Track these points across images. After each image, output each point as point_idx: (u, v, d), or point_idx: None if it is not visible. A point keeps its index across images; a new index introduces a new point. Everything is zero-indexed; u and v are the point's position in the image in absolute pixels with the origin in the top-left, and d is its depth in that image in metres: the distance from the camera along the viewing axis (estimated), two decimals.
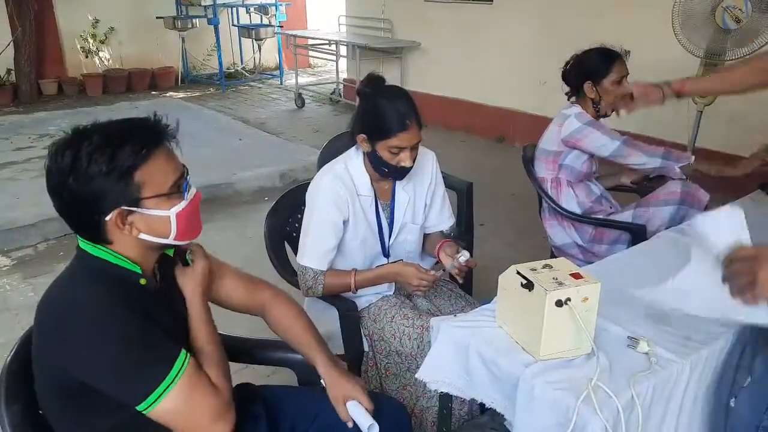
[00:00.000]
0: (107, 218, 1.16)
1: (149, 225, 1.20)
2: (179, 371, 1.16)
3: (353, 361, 2.03)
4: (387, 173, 1.91)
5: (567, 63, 2.67)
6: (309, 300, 2.12)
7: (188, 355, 1.20)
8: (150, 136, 1.19)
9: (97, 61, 8.63)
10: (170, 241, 1.24)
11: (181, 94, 8.61)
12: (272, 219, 2.22)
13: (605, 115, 2.61)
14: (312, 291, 1.96)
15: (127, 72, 8.69)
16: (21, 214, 4.03)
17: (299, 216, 2.29)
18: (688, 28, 3.17)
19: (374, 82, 1.92)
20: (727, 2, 3.00)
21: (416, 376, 1.56)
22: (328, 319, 2.03)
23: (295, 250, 2.07)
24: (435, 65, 6.76)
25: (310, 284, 1.95)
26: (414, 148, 1.86)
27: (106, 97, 8.32)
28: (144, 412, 1.14)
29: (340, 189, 1.91)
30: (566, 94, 2.69)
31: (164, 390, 1.13)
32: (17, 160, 5.28)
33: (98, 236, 1.19)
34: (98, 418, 1.19)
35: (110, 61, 8.75)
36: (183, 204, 1.23)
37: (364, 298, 2.04)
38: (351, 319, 1.98)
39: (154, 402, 1.13)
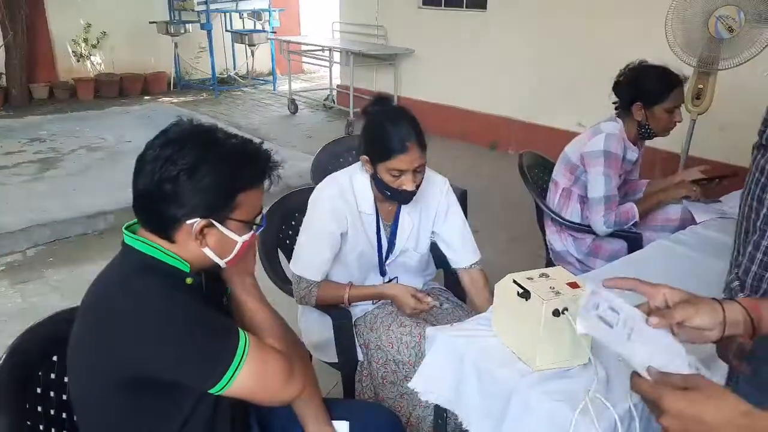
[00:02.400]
0: (189, 222, 1.16)
1: (219, 243, 1.22)
2: (245, 346, 1.17)
3: (347, 370, 2.01)
4: (390, 196, 1.86)
5: (621, 73, 2.52)
6: (301, 309, 2.10)
7: (244, 331, 1.22)
8: (266, 166, 1.24)
9: (89, 66, 8.59)
10: (222, 262, 1.26)
11: (173, 99, 8.58)
12: (265, 225, 2.20)
13: (649, 138, 2.52)
14: (305, 301, 1.95)
15: (119, 77, 8.65)
16: (10, 219, 3.98)
17: (292, 223, 2.27)
18: (682, 37, 3.18)
19: (380, 102, 1.88)
20: (720, 12, 3.01)
21: (409, 385, 1.55)
22: (322, 328, 2.01)
23: (288, 258, 2.05)
24: (429, 72, 6.77)
25: (303, 294, 1.93)
26: (417, 171, 1.80)
27: (98, 101, 8.28)
28: (219, 392, 1.15)
29: (339, 203, 1.89)
30: (613, 103, 2.56)
31: (238, 365, 1.15)
32: (7, 164, 5.23)
33: (165, 232, 1.19)
34: (148, 421, 1.19)
35: (102, 66, 8.71)
36: (249, 235, 1.26)
37: (360, 307, 2.02)
38: (345, 328, 1.96)
39: (230, 380, 1.14)
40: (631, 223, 2.46)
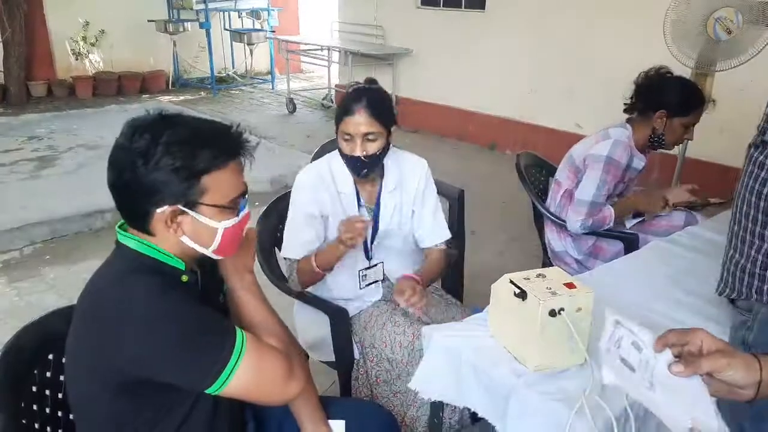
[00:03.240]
0: (159, 210, 1.14)
1: (195, 231, 1.19)
2: (242, 345, 1.16)
3: (344, 368, 2.01)
4: (347, 165, 1.91)
5: (644, 75, 2.47)
6: (298, 305, 2.11)
7: (242, 329, 1.20)
8: (231, 145, 1.19)
9: (88, 64, 8.57)
10: (208, 252, 1.23)
11: (171, 98, 8.57)
12: (263, 224, 2.20)
13: (658, 148, 2.50)
14: (292, 281, 1.98)
15: (117, 75, 8.64)
16: (7, 217, 3.98)
17: None
18: (679, 38, 3.18)
19: (365, 82, 1.96)
20: (718, 13, 3.01)
21: (408, 385, 1.55)
22: (318, 325, 2.01)
23: None
24: (427, 72, 6.77)
25: (288, 273, 1.97)
26: (368, 139, 1.84)
27: (96, 99, 8.27)
28: (216, 392, 1.14)
29: (316, 182, 1.95)
30: (625, 104, 2.52)
31: (234, 365, 1.13)
32: (5, 162, 5.22)
33: (142, 225, 1.18)
34: (148, 419, 1.19)
35: (101, 64, 8.70)
36: (234, 221, 1.22)
37: (354, 305, 2.03)
38: (342, 326, 1.96)
39: (226, 380, 1.13)
40: (605, 227, 2.47)
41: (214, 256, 1.26)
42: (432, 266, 2.08)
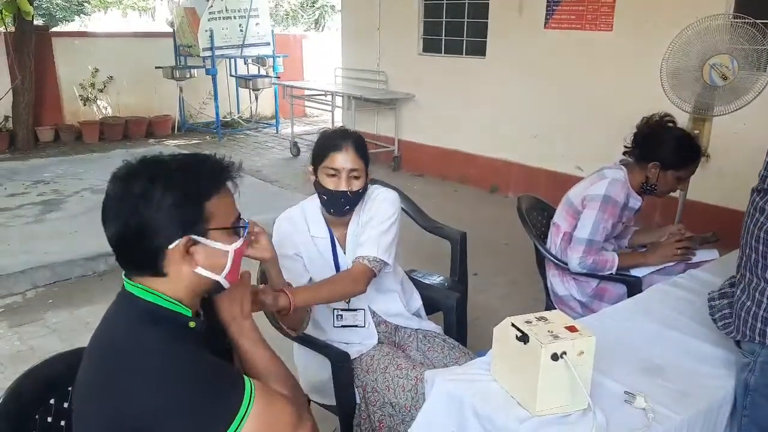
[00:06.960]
0: (171, 247, 1.15)
1: (209, 258, 1.20)
2: (251, 393, 1.16)
3: (345, 413, 1.99)
4: (327, 202, 1.93)
5: (646, 122, 2.53)
6: (297, 347, 2.10)
7: (249, 377, 1.20)
8: (219, 170, 1.23)
9: (95, 110, 8.72)
10: (221, 278, 1.24)
11: (177, 142, 8.68)
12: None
13: (649, 194, 2.55)
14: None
15: (124, 120, 8.78)
16: (10, 261, 4.00)
17: None
18: (676, 84, 3.23)
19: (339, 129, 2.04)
20: (714, 60, 3.07)
21: (410, 431, 1.53)
22: (318, 369, 2.00)
23: None
24: (429, 116, 6.87)
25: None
26: (353, 176, 1.89)
27: (103, 144, 8.39)
28: None
29: (288, 227, 2.01)
30: (625, 147, 2.57)
31: (244, 414, 1.13)
32: (10, 206, 5.28)
33: (153, 267, 1.18)
34: None
35: (108, 109, 8.85)
36: (240, 242, 1.25)
37: (355, 348, 2.02)
38: (344, 370, 1.94)
39: (236, 430, 1.12)
40: (606, 272, 2.48)
41: (225, 283, 1.26)
42: (335, 280, 1.91)
